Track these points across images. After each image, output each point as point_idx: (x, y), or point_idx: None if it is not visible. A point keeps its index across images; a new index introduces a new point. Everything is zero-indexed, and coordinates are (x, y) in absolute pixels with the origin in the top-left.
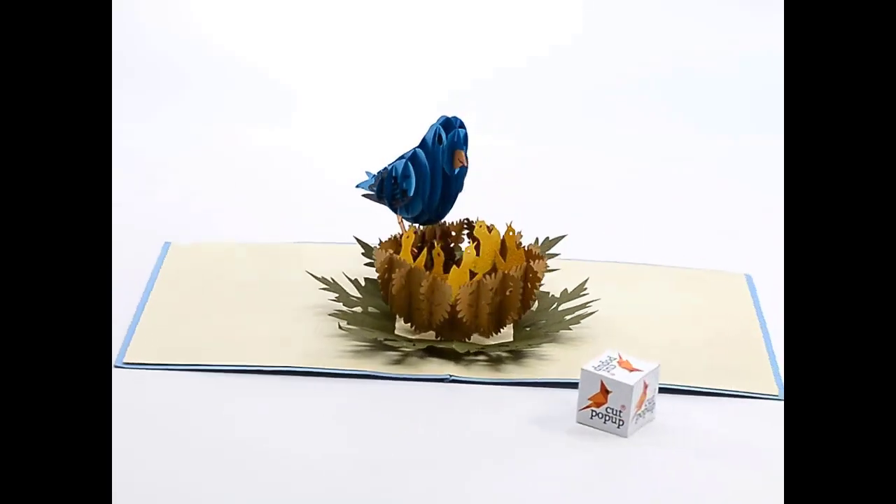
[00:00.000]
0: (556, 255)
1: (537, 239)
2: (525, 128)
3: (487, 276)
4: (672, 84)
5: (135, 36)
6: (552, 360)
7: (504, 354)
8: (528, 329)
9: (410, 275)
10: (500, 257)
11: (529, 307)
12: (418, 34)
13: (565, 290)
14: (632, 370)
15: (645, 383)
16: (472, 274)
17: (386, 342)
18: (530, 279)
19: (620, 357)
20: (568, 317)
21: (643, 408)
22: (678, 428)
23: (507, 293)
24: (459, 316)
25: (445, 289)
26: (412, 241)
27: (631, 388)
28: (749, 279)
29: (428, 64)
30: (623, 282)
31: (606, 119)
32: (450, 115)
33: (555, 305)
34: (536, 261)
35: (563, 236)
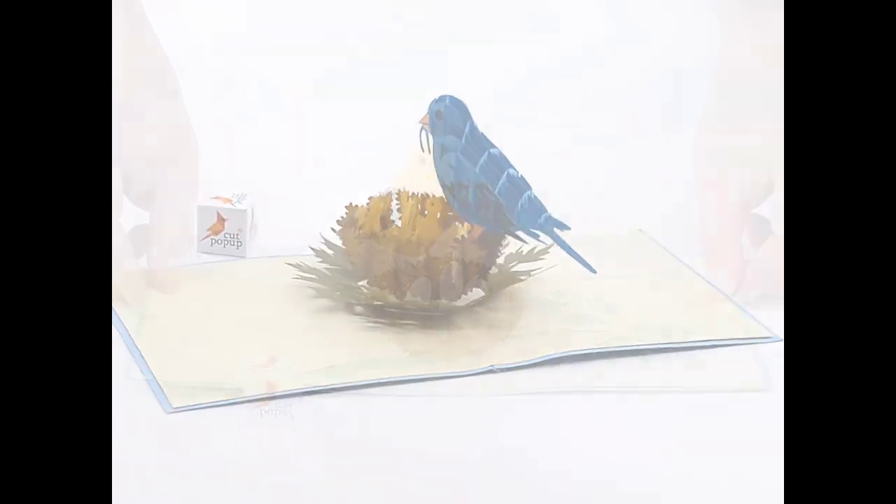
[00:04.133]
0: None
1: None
2: (525, 128)
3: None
4: (672, 84)
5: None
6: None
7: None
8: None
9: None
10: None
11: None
12: (420, 33)
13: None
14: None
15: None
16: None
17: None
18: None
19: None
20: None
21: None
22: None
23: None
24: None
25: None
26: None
27: (244, 212)
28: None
29: (429, 63)
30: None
31: (607, 119)
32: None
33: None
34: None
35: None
